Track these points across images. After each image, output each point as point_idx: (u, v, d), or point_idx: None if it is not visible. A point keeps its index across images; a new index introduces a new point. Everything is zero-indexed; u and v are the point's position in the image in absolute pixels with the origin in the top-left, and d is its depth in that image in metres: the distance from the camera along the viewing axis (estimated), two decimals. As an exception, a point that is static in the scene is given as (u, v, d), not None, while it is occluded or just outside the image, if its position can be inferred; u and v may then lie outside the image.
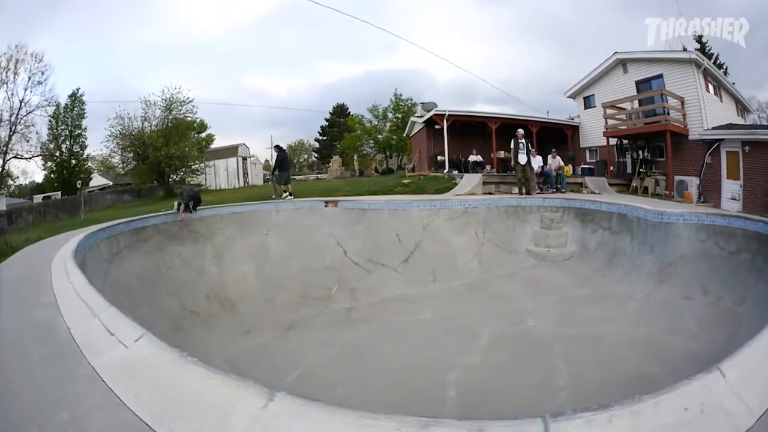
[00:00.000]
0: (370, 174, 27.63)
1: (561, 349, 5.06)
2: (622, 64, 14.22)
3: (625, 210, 8.53)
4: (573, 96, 16.65)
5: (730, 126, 11.10)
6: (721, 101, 12.25)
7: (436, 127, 16.91)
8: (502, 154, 16.88)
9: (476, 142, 16.96)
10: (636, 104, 12.84)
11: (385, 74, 55.39)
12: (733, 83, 13.16)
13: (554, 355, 4.88)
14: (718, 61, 20.87)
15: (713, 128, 10.76)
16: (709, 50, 21.79)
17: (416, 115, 20.81)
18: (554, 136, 16.95)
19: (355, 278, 8.65)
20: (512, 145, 10.64)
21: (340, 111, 41.43)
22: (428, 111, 18.40)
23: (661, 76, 12.40)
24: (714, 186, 10.35)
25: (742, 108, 14.43)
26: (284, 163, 12.20)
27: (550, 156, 11.82)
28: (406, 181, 12.54)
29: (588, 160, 15.70)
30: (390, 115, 27.46)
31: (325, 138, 42.14)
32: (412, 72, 57.68)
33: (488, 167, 16.41)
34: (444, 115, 15.47)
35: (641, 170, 11.90)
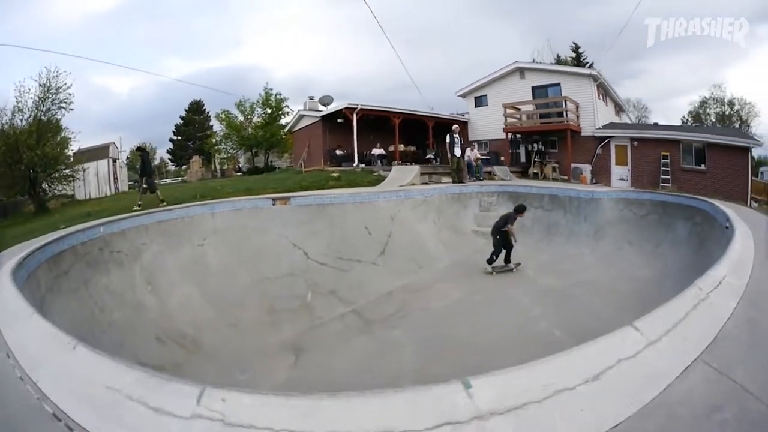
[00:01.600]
0: (230, 174, 26.54)
1: (581, 291, 7.09)
2: (520, 71, 18.00)
3: (557, 192, 11.28)
4: (464, 95, 19.91)
5: (612, 125, 15.78)
6: (606, 105, 16.97)
7: (338, 120, 17.56)
8: (402, 147, 18.69)
9: (370, 135, 18.31)
10: (533, 106, 16.54)
11: (226, 71, 53.16)
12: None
13: (582, 296, 6.85)
14: (589, 65, 27.67)
15: (602, 127, 15.02)
16: (584, 59, 28.83)
17: (306, 109, 21.00)
18: (446, 130, 19.71)
19: (329, 280, 8.70)
20: (448, 139, 12.55)
21: (196, 108, 37.73)
22: (326, 105, 19.00)
23: (558, 84, 16.42)
24: (604, 171, 14.53)
25: (619, 109, 20.13)
26: (149, 166, 11.53)
27: (468, 149, 14.04)
28: (335, 175, 12.92)
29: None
30: (259, 110, 27.37)
31: (180, 138, 37.50)
32: (252, 68, 56.72)
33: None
34: (356, 108, 16.28)
35: (536, 160, 15.38)
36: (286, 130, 25.27)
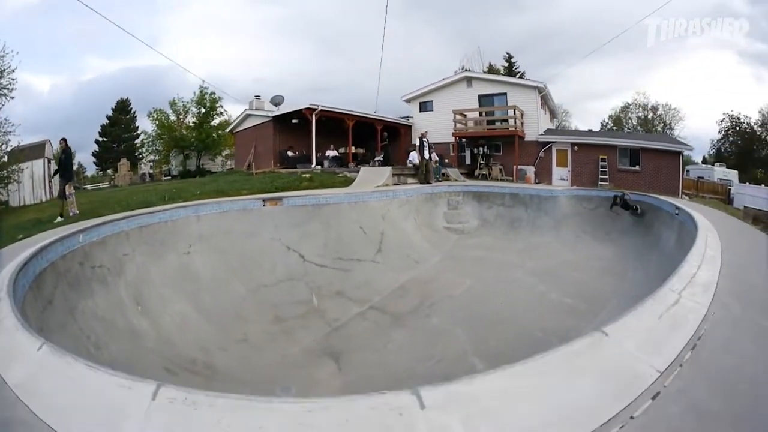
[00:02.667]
0: (159, 178, 23.92)
1: (564, 270, 7.92)
2: (468, 80, 18.68)
3: (517, 191, 12.05)
4: (409, 100, 20.14)
5: (549, 131, 17.09)
6: (545, 113, 18.17)
7: (293, 121, 16.68)
8: (353, 149, 18.37)
9: (320, 137, 17.73)
10: (478, 114, 17.43)
11: (144, 71, 47.71)
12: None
13: (568, 273, 7.79)
14: (520, 72, 29.16)
15: (544, 132, 16.28)
16: (516, 68, 30.21)
17: (252, 108, 19.51)
18: (392, 134, 19.83)
19: (333, 281, 8.17)
20: (418, 144, 12.62)
21: (122, 107, 32.65)
22: (277, 104, 17.78)
23: (505, 94, 17.32)
24: (546, 171, 15.76)
25: (553, 115, 21.69)
26: (70, 165, 9.44)
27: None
28: (307, 176, 12.24)
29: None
30: (193, 110, 25.04)
31: (106, 139, 32.11)
32: (170, 69, 51.86)
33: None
34: (316, 109, 15.49)
35: (482, 162, 16.20)
36: (228, 130, 23.33)
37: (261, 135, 18.48)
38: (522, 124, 15.73)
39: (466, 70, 20.33)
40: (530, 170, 15.24)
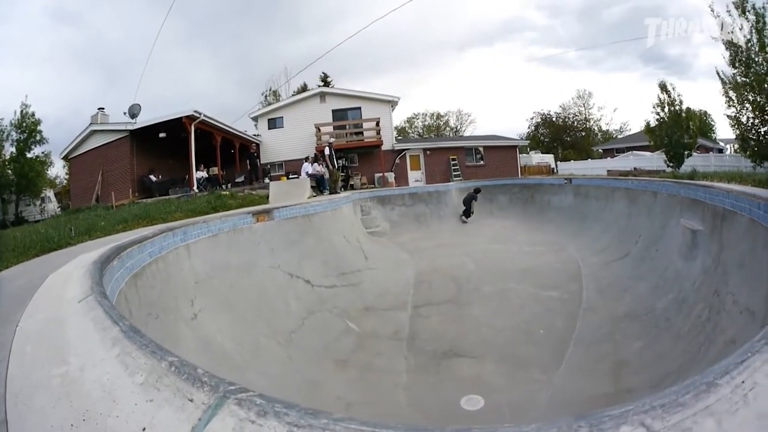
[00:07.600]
0: None
1: (506, 236, 9.42)
2: (321, 95, 16.88)
3: (416, 190, 12.65)
4: (256, 118, 17.08)
5: (401, 140, 17.49)
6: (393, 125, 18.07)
7: (161, 135, 11.58)
8: (216, 169, 14.50)
9: (171, 157, 13.21)
10: (334, 127, 16.21)
11: None
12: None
13: (516, 236, 9.24)
14: (332, 83, 27.44)
15: (397, 141, 16.60)
16: (330, 81, 27.60)
17: (98, 123, 12.13)
18: (243, 150, 16.48)
19: (352, 299, 6.60)
20: (327, 152, 11.23)
21: None
22: (134, 116, 11.60)
23: (359, 108, 16.46)
24: (403, 175, 16.18)
25: None
26: None
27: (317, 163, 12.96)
28: (227, 193, 9.05)
29: (273, 173, 16.89)
30: (14, 135, 16.17)
31: None
32: None
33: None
34: (198, 118, 10.94)
35: (342, 174, 15.56)
36: (62, 155, 14.47)
37: (111, 157, 12.20)
38: (378, 133, 15.71)
39: (321, 86, 18.93)
40: (391, 176, 15.77)
